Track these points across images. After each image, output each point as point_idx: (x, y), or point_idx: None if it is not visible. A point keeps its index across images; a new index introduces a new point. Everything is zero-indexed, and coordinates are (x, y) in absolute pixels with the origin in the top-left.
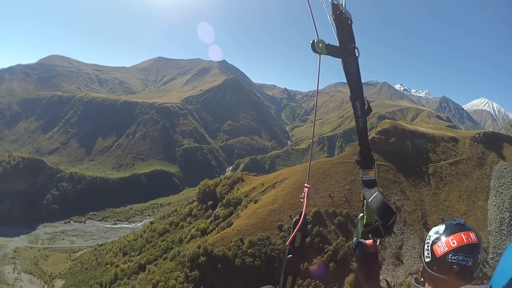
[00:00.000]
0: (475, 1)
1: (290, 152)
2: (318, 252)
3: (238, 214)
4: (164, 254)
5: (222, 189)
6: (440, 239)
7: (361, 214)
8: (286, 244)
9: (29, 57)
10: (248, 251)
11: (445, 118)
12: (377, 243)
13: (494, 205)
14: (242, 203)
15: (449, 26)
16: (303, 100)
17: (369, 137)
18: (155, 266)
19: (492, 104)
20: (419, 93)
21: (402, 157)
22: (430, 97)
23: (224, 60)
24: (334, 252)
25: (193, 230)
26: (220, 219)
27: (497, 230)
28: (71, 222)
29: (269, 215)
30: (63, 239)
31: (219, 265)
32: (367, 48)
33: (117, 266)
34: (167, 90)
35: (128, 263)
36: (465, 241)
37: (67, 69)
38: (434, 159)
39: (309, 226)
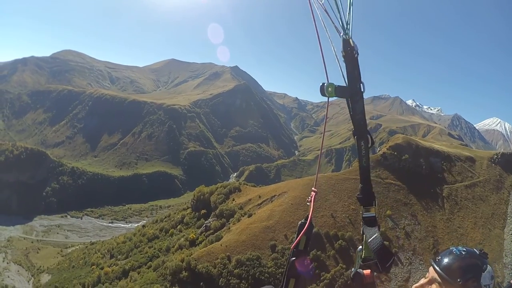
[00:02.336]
0: (484, 23)
1: (296, 163)
2: (313, 279)
3: (229, 228)
4: (149, 262)
5: (217, 198)
6: None
7: (360, 247)
8: (291, 247)
9: (44, 51)
10: (235, 271)
11: (457, 137)
12: (374, 274)
13: (511, 234)
14: (235, 216)
15: (461, 47)
16: (314, 111)
17: (380, 152)
18: (138, 274)
19: (504, 124)
20: (431, 109)
21: (415, 176)
22: (442, 114)
23: (236, 66)
24: (332, 281)
25: (182, 239)
26: (211, 231)
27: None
28: (68, 216)
29: (262, 232)
30: (57, 233)
31: (201, 283)
32: (380, 63)
33: (102, 268)
34: (178, 92)
35: (113, 266)
36: None
37: (80, 64)
38: (450, 180)
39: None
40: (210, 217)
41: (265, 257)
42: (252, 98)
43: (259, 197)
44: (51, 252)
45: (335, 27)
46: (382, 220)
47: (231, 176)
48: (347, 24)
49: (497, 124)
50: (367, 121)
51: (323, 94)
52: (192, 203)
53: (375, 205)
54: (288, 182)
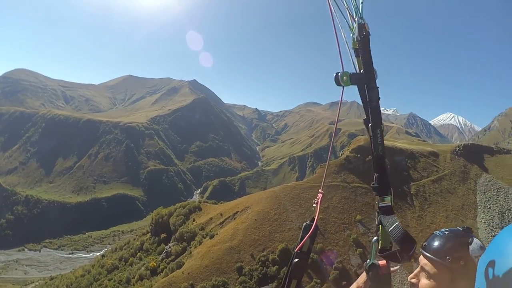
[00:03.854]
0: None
1: (260, 173)
2: None
3: (190, 252)
4: None
5: (176, 220)
6: None
7: (375, 238)
8: (296, 249)
9: None
10: None
11: (414, 134)
12: (390, 264)
13: (484, 222)
14: (196, 238)
15: (407, 49)
16: (274, 120)
17: (344, 156)
18: None
19: (458, 118)
20: (387, 110)
21: None
22: (398, 114)
23: (194, 79)
24: None
25: (143, 268)
26: (172, 256)
27: None
28: (26, 250)
29: (226, 254)
30: (16, 269)
31: None
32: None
33: None
34: (135, 109)
35: None
36: None
37: (33, 84)
38: (416, 176)
39: (275, 266)
40: (171, 241)
41: (232, 281)
42: (211, 111)
43: (221, 215)
44: None
45: (349, 12)
46: (353, 226)
47: (194, 193)
48: (361, 8)
49: (451, 119)
50: (326, 127)
51: (338, 83)
52: (150, 227)
53: (391, 194)
54: (250, 196)
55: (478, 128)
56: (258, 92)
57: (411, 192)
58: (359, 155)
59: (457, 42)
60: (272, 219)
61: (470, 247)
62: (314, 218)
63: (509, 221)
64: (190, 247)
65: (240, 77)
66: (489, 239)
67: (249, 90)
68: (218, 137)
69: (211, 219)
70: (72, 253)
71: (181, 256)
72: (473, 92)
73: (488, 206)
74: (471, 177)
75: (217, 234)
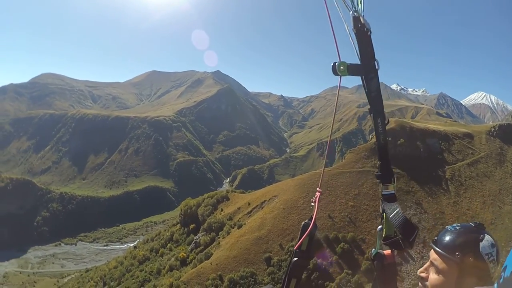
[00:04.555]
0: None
1: (289, 160)
2: None
3: (219, 243)
4: (141, 287)
5: (205, 210)
6: None
7: (380, 227)
8: (295, 248)
9: (22, 76)
10: None
11: (445, 115)
12: (395, 253)
13: None
14: (225, 228)
15: (440, 22)
16: (300, 106)
17: (373, 140)
18: None
19: (490, 97)
20: (416, 91)
21: (413, 161)
22: (428, 95)
23: (218, 70)
24: None
25: (173, 259)
26: (201, 247)
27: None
28: (62, 244)
29: (254, 244)
30: (53, 263)
31: None
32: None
33: None
34: (162, 103)
35: None
36: None
37: (59, 86)
38: (450, 160)
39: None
40: (200, 231)
41: (260, 272)
42: (237, 100)
43: (248, 204)
44: (47, 284)
45: (345, 4)
46: None
47: (224, 182)
48: (357, 1)
49: (482, 98)
50: (354, 110)
51: (335, 73)
52: (180, 218)
53: (394, 182)
54: (278, 185)
55: (511, 107)
56: (283, 79)
57: (446, 177)
58: (390, 138)
59: (477, 21)
60: (301, 208)
61: (481, 244)
62: (313, 217)
63: None
64: (219, 237)
65: (264, 64)
66: None
67: (274, 77)
68: (245, 126)
69: (239, 208)
70: (107, 245)
71: (210, 247)
72: (504, 70)
73: None
74: (508, 160)
75: (245, 224)
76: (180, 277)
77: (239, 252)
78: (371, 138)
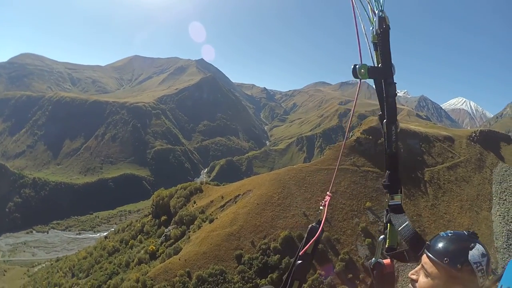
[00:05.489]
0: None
1: (268, 153)
2: None
3: (189, 237)
4: (109, 280)
5: (177, 202)
6: None
7: (382, 236)
8: (301, 252)
9: (1, 55)
10: None
11: (425, 117)
12: (394, 263)
13: (499, 215)
14: (196, 222)
15: (428, 24)
16: (283, 100)
17: (354, 137)
18: None
19: (469, 103)
20: (397, 92)
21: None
22: (409, 97)
23: (202, 58)
24: None
25: (142, 252)
26: (172, 240)
27: (504, 246)
28: (34, 232)
29: (225, 240)
30: (24, 251)
31: None
32: (344, 49)
33: None
34: (142, 89)
35: (75, 286)
36: None
37: (39, 67)
38: (430, 162)
39: (277, 256)
40: (171, 224)
41: (230, 270)
42: (219, 90)
43: (222, 197)
44: (18, 272)
45: (370, 5)
46: (362, 214)
47: (201, 173)
48: (382, 1)
49: (462, 103)
50: (336, 107)
51: (355, 76)
52: (151, 209)
53: (401, 193)
54: (253, 178)
55: (489, 115)
56: (267, 71)
57: (425, 179)
58: (370, 137)
59: (470, 28)
60: (275, 204)
61: (470, 252)
62: (321, 221)
63: None
64: (189, 231)
65: (248, 56)
66: (503, 234)
67: (258, 69)
68: (226, 117)
69: (211, 202)
70: (79, 234)
71: (180, 241)
72: (485, 78)
73: (504, 198)
74: (487, 166)
75: (217, 218)
76: (147, 272)
77: (209, 248)
78: (351, 136)
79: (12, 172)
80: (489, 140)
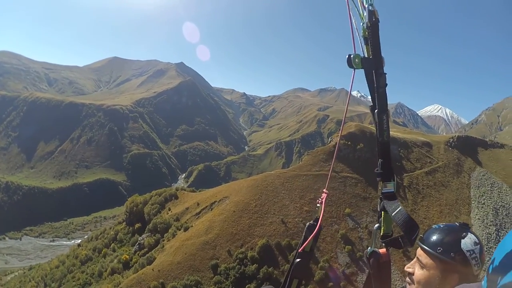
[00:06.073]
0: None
1: (247, 158)
2: None
3: (163, 246)
4: None
5: (151, 209)
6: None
7: (377, 225)
8: (299, 250)
9: None
10: None
11: (401, 123)
12: (389, 252)
13: (478, 218)
14: (170, 230)
15: (403, 33)
16: (262, 105)
17: (333, 143)
18: None
19: (445, 110)
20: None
21: (372, 167)
22: None
23: (182, 62)
24: None
25: (115, 261)
26: (145, 249)
27: (485, 249)
28: (6, 238)
29: (200, 249)
30: None
31: None
32: (325, 56)
33: None
34: (120, 92)
35: None
36: None
37: (15, 66)
38: (409, 167)
39: (254, 265)
40: (145, 232)
41: (206, 281)
42: (198, 94)
43: (198, 204)
44: None
45: (360, 0)
46: (341, 221)
47: (179, 178)
48: None
49: (438, 110)
50: (315, 113)
51: (350, 65)
52: (125, 216)
53: (394, 180)
54: (230, 185)
55: (465, 121)
56: (247, 77)
57: (404, 184)
58: (349, 143)
59: (444, 36)
60: (252, 211)
61: (463, 240)
62: (318, 218)
63: (503, 219)
64: (163, 240)
65: (228, 61)
66: (483, 237)
67: (238, 74)
68: (205, 121)
69: (187, 209)
70: (53, 241)
71: (153, 250)
72: (460, 86)
73: (482, 202)
74: (465, 170)
75: (192, 226)
76: (120, 283)
77: (184, 257)
78: (330, 142)
79: None
80: (466, 146)
